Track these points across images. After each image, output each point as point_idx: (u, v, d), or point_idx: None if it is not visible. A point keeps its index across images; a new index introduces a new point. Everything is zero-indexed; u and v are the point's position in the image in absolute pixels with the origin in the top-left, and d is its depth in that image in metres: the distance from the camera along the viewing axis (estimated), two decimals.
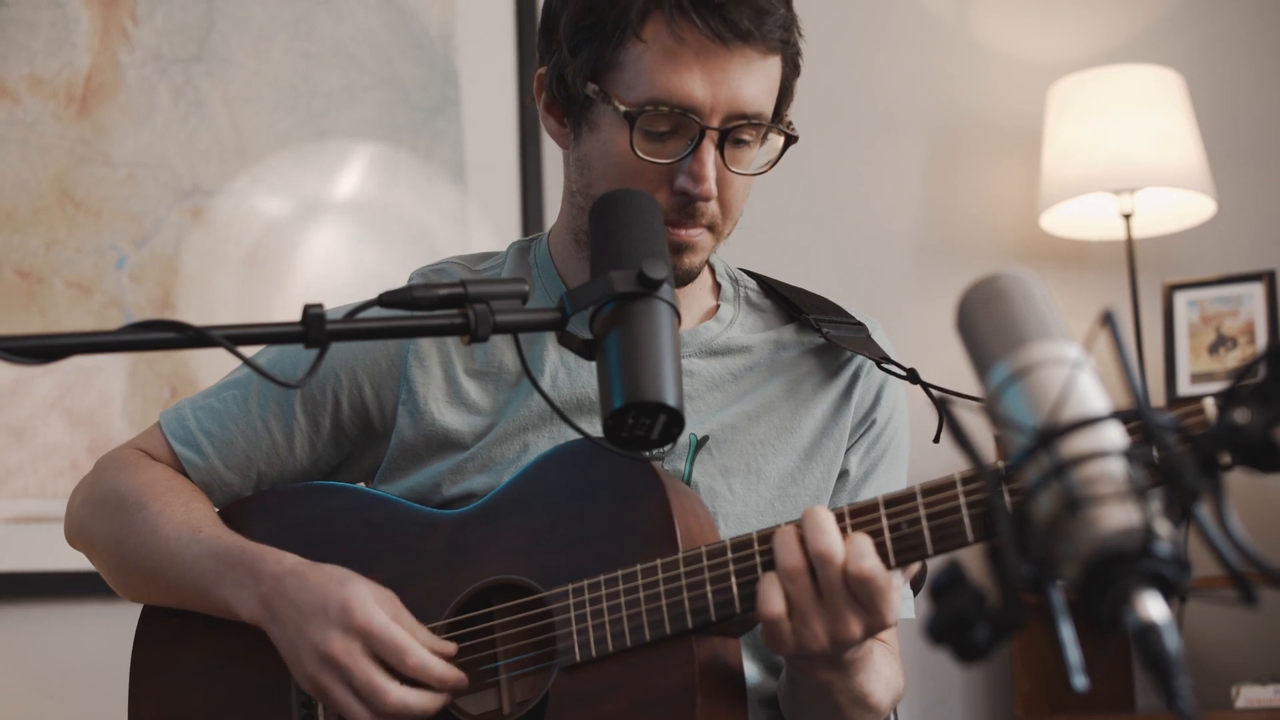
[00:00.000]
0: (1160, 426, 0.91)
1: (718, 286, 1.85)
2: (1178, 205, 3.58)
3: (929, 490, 1.45)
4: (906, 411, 1.85)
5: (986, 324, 1.02)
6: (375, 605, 1.56)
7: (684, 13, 1.61)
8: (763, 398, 1.78)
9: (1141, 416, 0.92)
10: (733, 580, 1.51)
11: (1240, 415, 0.93)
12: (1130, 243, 3.55)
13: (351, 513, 1.72)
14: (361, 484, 1.81)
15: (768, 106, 1.68)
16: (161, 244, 3.31)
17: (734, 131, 1.65)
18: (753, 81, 1.64)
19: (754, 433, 1.75)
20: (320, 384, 1.76)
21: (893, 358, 1.79)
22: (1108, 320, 0.96)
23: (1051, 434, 0.92)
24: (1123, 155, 3.44)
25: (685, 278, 1.72)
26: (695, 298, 1.82)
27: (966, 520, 1.43)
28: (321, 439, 1.78)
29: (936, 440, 1.67)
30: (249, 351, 1.27)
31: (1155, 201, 3.56)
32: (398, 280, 3.27)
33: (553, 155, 3.58)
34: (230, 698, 1.70)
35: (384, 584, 1.63)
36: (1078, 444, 0.92)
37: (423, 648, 1.56)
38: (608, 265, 1.37)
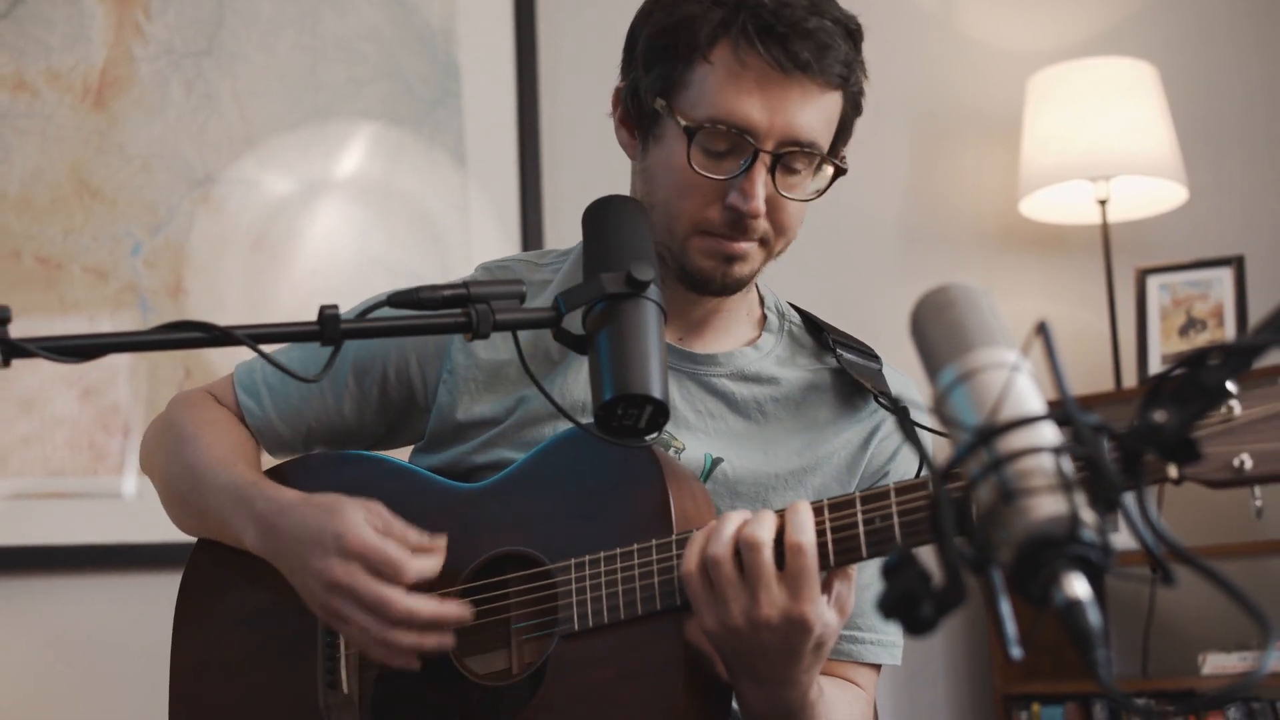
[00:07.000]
0: (1087, 426, 1.01)
1: (764, 318, 1.90)
2: (1151, 192, 3.63)
3: (901, 490, 1.52)
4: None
5: (937, 331, 1.10)
6: (366, 526, 1.64)
7: (749, 40, 1.67)
8: (787, 435, 1.82)
9: (1070, 417, 1.02)
10: None
11: (1159, 415, 1.03)
12: (1105, 228, 3.60)
13: (377, 481, 1.80)
14: (394, 454, 1.89)
15: (823, 138, 1.73)
16: (174, 231, 3.33)
17: (786, 157, 1.70)
18: (809, 112, 1.70)
19: (772, 467, 1.80)
20: (372, 355, 1.85)
21: (898, 395, 1.83)
22: (1042, 330, 1.06)
23: (990, 432, 1.00)
24: (1099, 144, 3.48)
25: (735, 286, 1.77)
26: (740, 326, 1.87)
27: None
28: (369, 404, 1.87)
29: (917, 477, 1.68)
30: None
31: (1129, 188, 3.61)
32: (399, 263, 3.37)
33: (551, 146, 3.61)
34: (265, 640, 1.80)
35: None
36: (1014, 441, 0.99)
37: (414, 558, 1.63)
38: (599, 267, 1.46)
